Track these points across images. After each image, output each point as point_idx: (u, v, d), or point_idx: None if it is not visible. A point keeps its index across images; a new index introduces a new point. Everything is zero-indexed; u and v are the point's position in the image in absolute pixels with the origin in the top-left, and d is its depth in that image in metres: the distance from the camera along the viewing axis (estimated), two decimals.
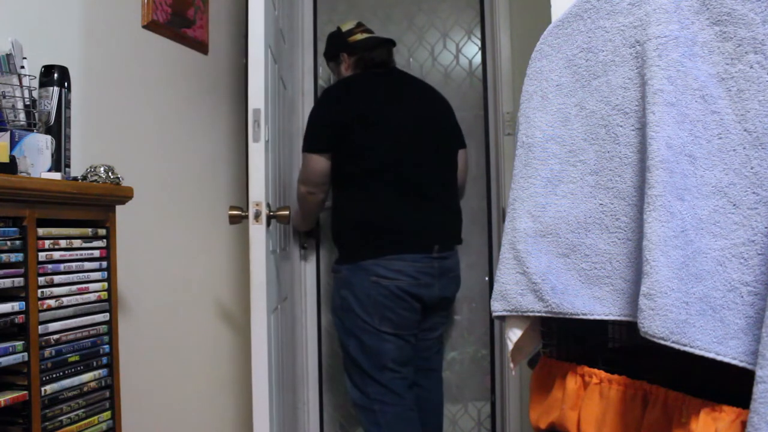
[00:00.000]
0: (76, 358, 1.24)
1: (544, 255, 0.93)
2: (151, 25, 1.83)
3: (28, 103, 1.31)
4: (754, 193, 0.70)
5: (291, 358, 2.25)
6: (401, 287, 1.93)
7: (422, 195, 2.01)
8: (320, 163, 2.05)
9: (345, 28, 2.25)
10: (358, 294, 1.95)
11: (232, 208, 1.62)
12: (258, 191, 1.54)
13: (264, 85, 1.57)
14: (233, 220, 1.61)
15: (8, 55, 1.28)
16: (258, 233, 1.54)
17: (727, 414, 0.69)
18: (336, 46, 2.24)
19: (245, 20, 1.59)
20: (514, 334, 1.01)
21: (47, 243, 1.18)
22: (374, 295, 1.93)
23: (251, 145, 1.55)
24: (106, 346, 1.32)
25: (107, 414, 1.31)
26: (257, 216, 1.54)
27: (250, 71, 1.56)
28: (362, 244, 1.98)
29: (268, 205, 1.58)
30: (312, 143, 2.07)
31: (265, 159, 1.57)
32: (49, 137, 1.29)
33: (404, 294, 1.94)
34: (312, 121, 2.09)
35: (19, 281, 1.11)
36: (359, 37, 2.21)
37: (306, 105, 2.58)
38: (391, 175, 1.97)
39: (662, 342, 0.70)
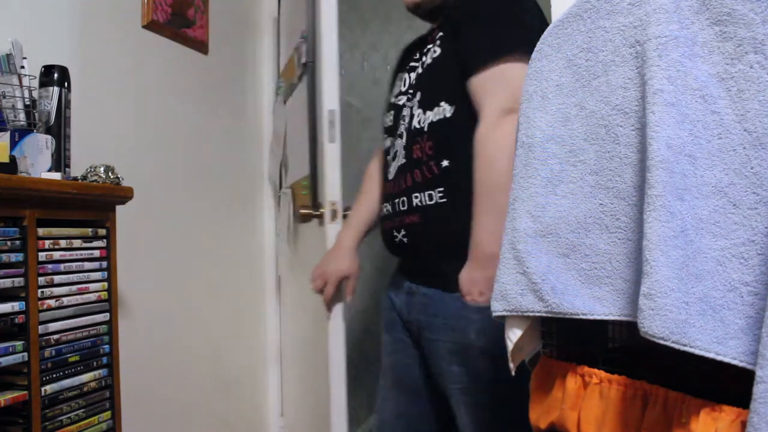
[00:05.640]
0: (76, 358, 1.24)
1: (544, 255, 0.93)
2: (151, 25, 1.83)
3: (28, 103, 1.31)
4: (754, 193, 0.70)
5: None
6: None
7: None
8: None
9: None
10: None
11: (302, 207, 1.71)
12: (334, 191, 1.59)
13: (337, 87, 1.60)
14: (303, 218, 1.69)
15: (8, 55, 1.28)
16: (334, 232, 1.59)
17: (727, 414, 0.69)
18: None
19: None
20: (514, 334, 1.01)
21: (47, 243, 1.18)
22: None
23: (326, 145, 1.60)
24: (106, 346, 1.32)
25: (107, 414, 1.31)
26: (334, 215, 1.59)
27: (324, 72, 1.59)
28: None
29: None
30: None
31: (339, 159, 1.61)
32: (49, 137, 1.29)
33: None
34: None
35: (19, 281, 1.11)
36: None
37: None
38: None
39: (662, 342, 0.70)
